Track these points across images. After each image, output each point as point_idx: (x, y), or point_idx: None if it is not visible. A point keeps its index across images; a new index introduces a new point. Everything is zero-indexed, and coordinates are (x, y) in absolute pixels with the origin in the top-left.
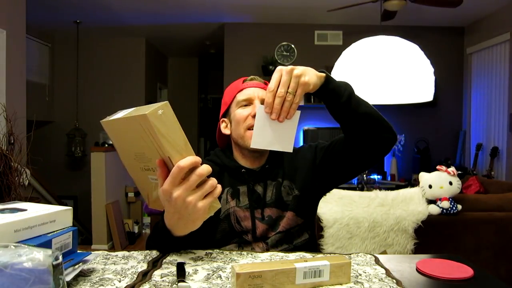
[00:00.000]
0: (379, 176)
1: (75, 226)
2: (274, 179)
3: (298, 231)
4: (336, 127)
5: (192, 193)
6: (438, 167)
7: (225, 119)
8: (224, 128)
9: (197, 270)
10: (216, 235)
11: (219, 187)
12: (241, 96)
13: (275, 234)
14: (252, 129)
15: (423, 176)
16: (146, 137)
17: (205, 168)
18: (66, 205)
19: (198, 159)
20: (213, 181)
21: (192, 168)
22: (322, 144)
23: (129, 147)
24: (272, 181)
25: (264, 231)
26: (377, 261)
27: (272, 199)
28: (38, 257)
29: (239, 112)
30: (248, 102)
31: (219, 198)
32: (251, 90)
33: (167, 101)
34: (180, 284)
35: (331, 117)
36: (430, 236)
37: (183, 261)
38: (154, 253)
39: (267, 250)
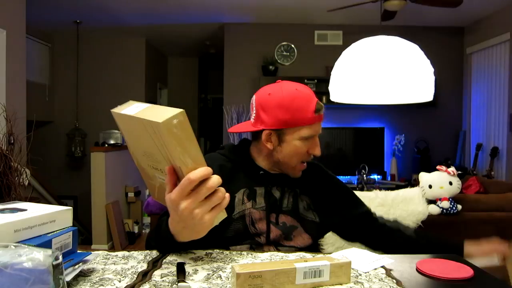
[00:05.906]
0: (379, 176)
1: (75, 226)
2: (291, 187)
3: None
4: (337, 127)
5: (199, 205)
6: (438, 167)
7: (275, 135)
8: (266, 141)
9: (197, 270)
10: (229, 233)
11: (227, 197)
12: (307, 131)
13: (289, 247)
14: (305, 163)
15: (423, 176)
16: (158, 142)
17: (215, 181)
18: (66, 205)
19: (209, 170)
20: (221, 192)
21: (202, 180)
22: (343, 186)
23: (139, 144)
24: (289, 189)
25: (278, 236)
26: None
27: (288, 207)
28: (38, 257)
29: (299, 145)
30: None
31: (235, 198)
32: (318, 127)
33: (183, 110)
34: (180, 284)
35: (331, 117)
36: None
37: (183, 261)
38: (154, 253)
39: None
